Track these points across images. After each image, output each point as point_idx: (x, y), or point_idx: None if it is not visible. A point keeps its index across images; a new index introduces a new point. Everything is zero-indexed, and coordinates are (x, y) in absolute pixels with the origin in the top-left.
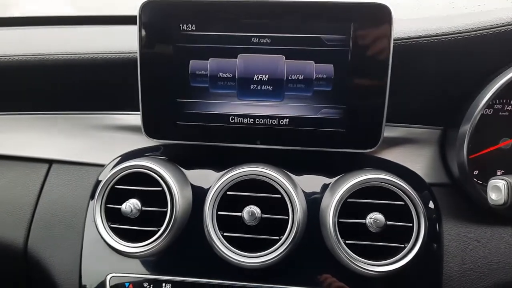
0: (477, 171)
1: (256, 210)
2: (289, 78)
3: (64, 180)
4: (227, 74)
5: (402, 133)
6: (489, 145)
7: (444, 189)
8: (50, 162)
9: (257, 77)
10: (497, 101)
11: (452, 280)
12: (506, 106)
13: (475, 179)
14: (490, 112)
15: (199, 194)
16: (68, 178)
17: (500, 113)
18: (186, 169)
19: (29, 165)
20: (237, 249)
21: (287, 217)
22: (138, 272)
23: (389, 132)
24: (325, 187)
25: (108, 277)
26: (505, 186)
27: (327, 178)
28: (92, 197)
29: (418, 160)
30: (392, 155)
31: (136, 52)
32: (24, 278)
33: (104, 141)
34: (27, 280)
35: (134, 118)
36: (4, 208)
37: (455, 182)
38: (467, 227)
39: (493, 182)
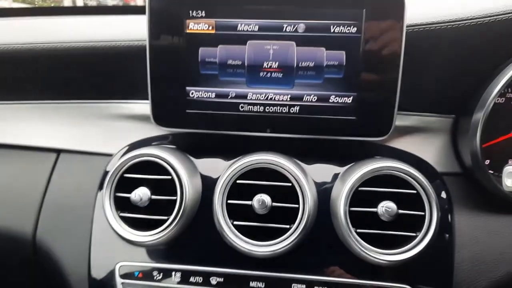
0: (489, 161)
1: (266, 198)
2: (300, 65)
3: (73, 170)
4: (236, 61)
5: (414, 121)
6: (501, 134)
7: (456, 178)
8: (58, 151)
9: (267, 64)
10: (510, 89)
11: (463, 270)
12: None
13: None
14: (502, 101)
15: (208, 182)
16: (76, 167)
17: None
18: (195, 158)
19: (37, 155)
20: (247, 238)
21: (297, 206)
22: (148, 260)
23: (400, 120)
24: (335, 176)
25: (118, 265)
26: None
27: (338, 167)
28: (100, 186)
29: (430, 149)
30: (403, 143)
31: (145, 40)
32: (34, 267)
33: (113, 130)
34: (37, 269)
35: (143, 107)
36: (12, 197)
37: (467, 171)
38: (479, 216)
39: (508, 168)
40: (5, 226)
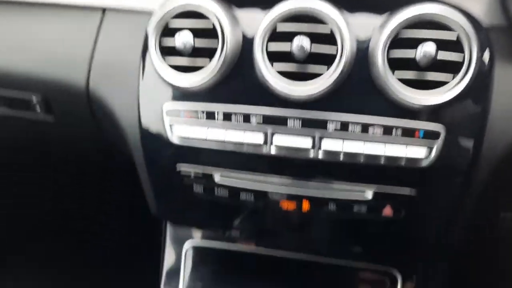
0: None
1: (305, 42)
2: None
3: (120, 28)
4: None
5: None
6: None
7: (501, 31)
8: (103, 10)
9: None
10: None
11: (497, 118)
12: None
13: None
14: None
15: (248, 30)
16: (123, 25)
17: None
18: (236, 7)
19: (82, 13)
20: (286, 78)
21: (335, 53)
22: (193, 102)
23: None
24: (375, 22)
25: (164, 106)
26: None
27: (378, 15)
28: (145, 40)
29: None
30: None
31: None
32: (89, 114)
33: None
34: (92, 118)
35: None
36: (62, 54)
37: None
38: None
39: None
40: (59, 79)
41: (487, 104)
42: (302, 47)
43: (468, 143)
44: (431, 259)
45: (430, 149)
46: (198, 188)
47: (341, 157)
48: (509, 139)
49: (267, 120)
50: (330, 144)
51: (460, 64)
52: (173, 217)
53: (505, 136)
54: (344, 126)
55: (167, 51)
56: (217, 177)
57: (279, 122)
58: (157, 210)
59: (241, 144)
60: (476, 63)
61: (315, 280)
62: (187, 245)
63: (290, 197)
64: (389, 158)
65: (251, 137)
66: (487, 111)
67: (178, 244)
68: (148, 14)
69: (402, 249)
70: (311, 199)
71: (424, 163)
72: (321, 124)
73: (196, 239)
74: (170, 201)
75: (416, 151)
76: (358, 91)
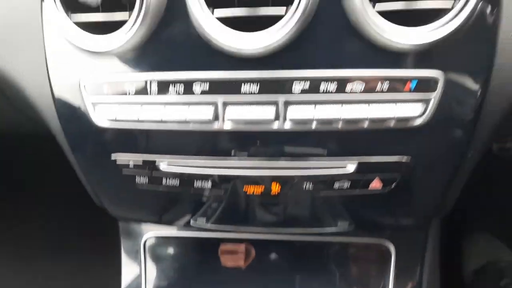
0: None
1: None
2: None
3: None
4: None
5: None
6: None
7: None
8: None
9: None
10: None
11: (506, 60)
12: None
13: None
14: None
15: None
16: None
17: None
18: None
19: None
20: (232, 29)
21: None
22: (115, 71)
23: None
24: None
25: (81, 81)
26: None
27: None
28: None
29: None
30: None
31: None
32: None
33: None
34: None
35: None
36: None
37: None
38: None
39: None
40: None
41: (495, 38)
42: None
43: (471, 92)
44: (425, 226)
45: (426, 103)
46: (141, 180)
47: (313, 126)
48: None
49: (215, 87)
50: (298, 111)
51: None
52: (120, 214)
53: None
54: (315, 85)
55: (72, 6)
56: (163, 165)
57: (231, 88)
58: (101, 204)
59: (186, 122)
60: None
61: (296, 261)
62: (146, 237)
63: (255, 181)
64: (375, 121)
65: (197, 112)
66: (495, 47)
67: (135, 239)
68: None
69: (393, 221)
70: (280, 180)
71: (418, 122)
72: (285, 86)
73: (153, 231)
74: (112, 195)
75: (408, 108)
76: (329, 36)
